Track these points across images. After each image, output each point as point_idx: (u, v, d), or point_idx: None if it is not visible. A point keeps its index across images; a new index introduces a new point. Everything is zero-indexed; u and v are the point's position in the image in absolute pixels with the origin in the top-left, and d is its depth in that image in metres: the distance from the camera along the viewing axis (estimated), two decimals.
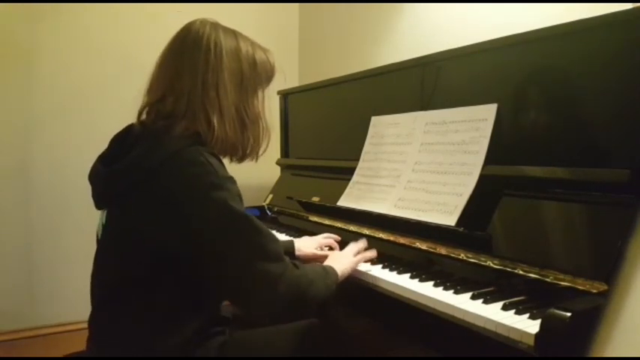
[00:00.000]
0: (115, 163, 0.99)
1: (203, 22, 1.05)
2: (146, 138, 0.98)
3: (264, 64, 1.09)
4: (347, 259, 1.22)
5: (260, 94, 1.10)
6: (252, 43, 1.09)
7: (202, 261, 0.95)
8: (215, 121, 1.00)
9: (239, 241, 0.94)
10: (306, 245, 1.39)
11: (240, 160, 1.10)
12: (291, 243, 1.39)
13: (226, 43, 1.04)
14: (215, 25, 1.06)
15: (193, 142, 0.96)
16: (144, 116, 1.05)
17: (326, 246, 1.42)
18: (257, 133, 1.09)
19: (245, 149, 1.08)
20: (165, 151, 0.94)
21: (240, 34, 1.08)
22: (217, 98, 1.01)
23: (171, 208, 0.93)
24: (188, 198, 0.92)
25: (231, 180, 0.97)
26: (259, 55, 1.08)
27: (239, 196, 0.97)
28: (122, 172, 0.97)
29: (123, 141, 1.03)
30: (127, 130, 1.06)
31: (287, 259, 1.00)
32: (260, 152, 1.12)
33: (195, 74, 1.00)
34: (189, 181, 0.92)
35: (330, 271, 1.12)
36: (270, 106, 1.14)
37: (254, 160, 1.12)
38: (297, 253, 1.37)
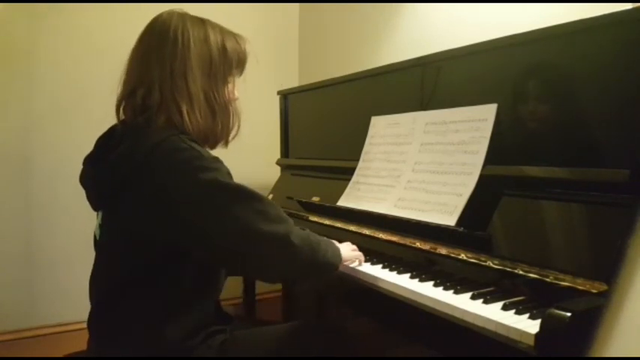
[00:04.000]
0: (102, 161, 0.99)
1: (170, 13, 1.06)
2: (129, 135, 0.99)
3: (235, 50, 1.09)
4: (345, 248, 1.24)
5: (231, 80, 1.10)
6: (222, 30, 1.09)
7: (208, 243, 0.95)
8: (185, 109, 1.00)
9: (240, 213, 0.94)
10: None
11: (212, 146, 1.10)
12: None
13: (194, 31, 1.04)
14: (182, 16, 1.06)
15: (174, 133, 0.97)
16: (122, 114, 1.06)
17: None
18: (226, 120, 1.09)
19: (216, 135, 1.08)
20: (148, 144, 0.95)
21: (210, 22, 1.08)
22: (186, 86, 1.01)
23: (163, 200, 0.93)
24: (179, 186, 0.92)
25: (218, 160, 0.98)
26: (229, 41, 1.08)
27: (229, 173, 0.98)
28: (110, 169, 0.98)
29: (108, 141, 1.04)
30: (111, 131, 1.06)
31: (291, 220, 1.01)
32: (230, 138, 1.12)
33: (164, 65, 1.01)
34: (176, 169, 0.93)
35: (333, 244, 1.14)
36: (246, 92, 1.14)
37: (224, 146, 1.12)
38: None
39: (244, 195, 0.95)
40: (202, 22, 1.07)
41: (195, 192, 0.92)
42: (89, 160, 1.06)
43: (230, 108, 1.10)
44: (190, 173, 0.92)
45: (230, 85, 1.10)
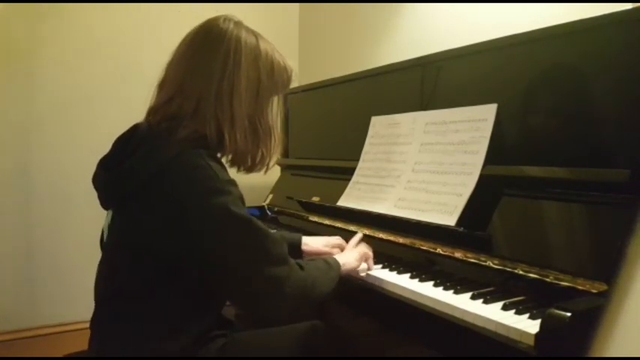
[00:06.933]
0: (117, 166, 0.97)
1: (226, 20, 1.02)
2: (148, 142, 0.96)
3: (281, 71, 1.06)
4: (351, 253, 1.23)
5: (275, 102, 1.08)
6: (273, 48, 1.06)
7: (206, 266, 0.94)
8: (226, 130, 0.98)
9: (243, 246, 0.92)
10: (314, 241, 1.38)
11: (249, 170, 1.07)
12: (299, 237, 1.38)
13: (247, 45, 1.01)
14: (238, 24, 1.03)
15: (195, 145, 0.94)
16: (150, 116, 1.02)
17: (334, 247, 1.41)
18: (269, 145, 1.06)
19: (254, 160, 1.05)
20: (165, 155, 0.93)
21: (262, 37, 1.05)
22: (230, 107, 0.98)
23: (172, 215, 0.91)
24: (189, 204, 0.90)
25: (232, 183, 0.95)
26: (277, 61, 1.06)
27: (241, 198, 0.96)
28: (123, 176, 0.96)
29: (127, 142, 1.01)
30: (133, 131, 1.03)
31: (291, 260, 0.99)
32: (271, 164, 1.08)
33: (210, 79, 0.98)
34: (189, 187, 0.91)
35: (332, 264, 1.11)
36: (282, 114, 1.12)
37: (263, 171, 1.09)
38: (303, 247, 1.35)
39: (250, 229, 0.93)
40: (255, 37, 1.04)
41: (204, 215, 0.90)
42: (104, 164, 1.03)
43: (274, 133, 1.07)
44: (203, 194, 0.90)
45: (274, 106, 1.08)
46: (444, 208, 1.21)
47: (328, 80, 1.93)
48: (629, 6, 0.97)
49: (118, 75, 2.15)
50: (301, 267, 1.01)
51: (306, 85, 2.12)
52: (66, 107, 2.10)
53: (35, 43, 2.04)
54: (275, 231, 1.43)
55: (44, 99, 2.07)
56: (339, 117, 1.89)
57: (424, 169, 1.35)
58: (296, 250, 1.34)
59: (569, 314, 0.75)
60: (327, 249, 1.35)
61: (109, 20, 2.16)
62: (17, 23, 2.00)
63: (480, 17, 1.61)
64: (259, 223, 0.95)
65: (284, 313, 1.01)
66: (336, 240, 1.40)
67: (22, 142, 2.05)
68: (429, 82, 1.45)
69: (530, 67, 1.18)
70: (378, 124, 1.60)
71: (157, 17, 2.20)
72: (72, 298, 2.03)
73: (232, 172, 1.05)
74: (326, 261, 1.12)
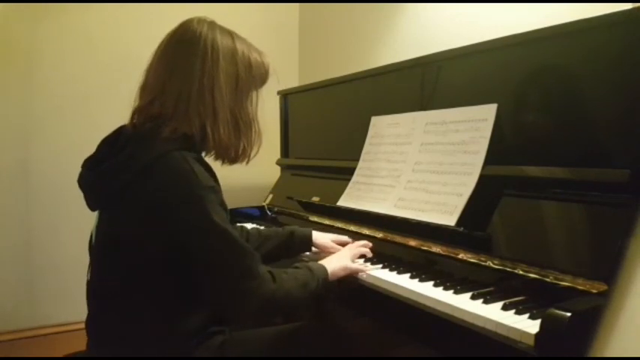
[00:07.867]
0: (101, 165, 0.99)
1: (200, 23, 1.04)
2: (132, 142, 0.98)
3: (259, 67, 1.09)
4: (341, 258, 1.22)
5: (254, 96, 1.10)
6: (249, 45, 1.09)
7: (185, 266, 0.95)
8: (209, 125, 1.00)
9: (214, 258, 0.94)
10: (323, 236, 1.40)
11: (232, 162, 1.10)
12: (310, 231, 1.40)
13: (223, 44, 1.03)
14: (212, 25, 1.05)
15: (180, 146, 0.96)
16: (135, 118, 1.05)
17: (342, 244, 1.39)
18: (250, 137, 1.09)
19: (237, 152, 1.07)
20: (149, 155, 0.94)
21: (237, 35, 1.08)
22: (212, 102, 1.01)
23: (154, 216, 0.93)
24: (170, 208, 0.92)
25: (214, 189, 0.97)
26: (254, 57, 1.08)
27: (221, 204, 0.98)
28: (107, 175, 0.98)
29: (113, 143, 1.03)
30: (118, 133, 1.05)
31: (263, 271, 0.99)
32: (252, 155, 1.11)
33: (191, 77, 1.00)
34: (171, 191, 0.93)
35: (317, 272, 1.10)
36: (263, 108, 1.14)
37: (245, 162, 1.11)
38: (314, 241, 1.38)
39: (223, 242, 0.95)
40: (230, 35, 1.06)
41: (183, 219, 0.93)
42: (88, 164, 1.05)
43: (254, 125, 1.10)
44: (183, 199, 0.92)
45: (253, 100, 1.10)
46: (444, 208, 1.21)
47: (328, 80, 1.93)
48: (629, 6, 0.97)
49: (117, 74, 2.15)
50: (274, 278, 1.00)
51: (306, 85, 2.11)
52: (66, 107, 2.10)
53: (35, 43, 2.04)
54: (286, 225, 1.46)
55: (44, 99, 2.07)
56: (339, 117, 1.89)
57: (424, 169, 1.35)
58: (306, 243, 1.38)
59: (568, 314, 0.75)
60: (335, 246, 1.36)
61: (109, 20, 2.16)
62: (17, 23, 2.00)
63: (480, 17, 1.61)
64: (233, 235, 0.96)
65: (251, 321, 1.07)
66: (345, 238, 1.40)
67: (21, 141, 2.05)
68: (429, 82, 1.45)
69: (530, 67, 1.18)
70: (378, 124, 1.60)
71: (158, 17, 2.20)
72: (72, 298, 2.02)
73: (226, 171, 1.07)
74: (310, 269, 1.11)
